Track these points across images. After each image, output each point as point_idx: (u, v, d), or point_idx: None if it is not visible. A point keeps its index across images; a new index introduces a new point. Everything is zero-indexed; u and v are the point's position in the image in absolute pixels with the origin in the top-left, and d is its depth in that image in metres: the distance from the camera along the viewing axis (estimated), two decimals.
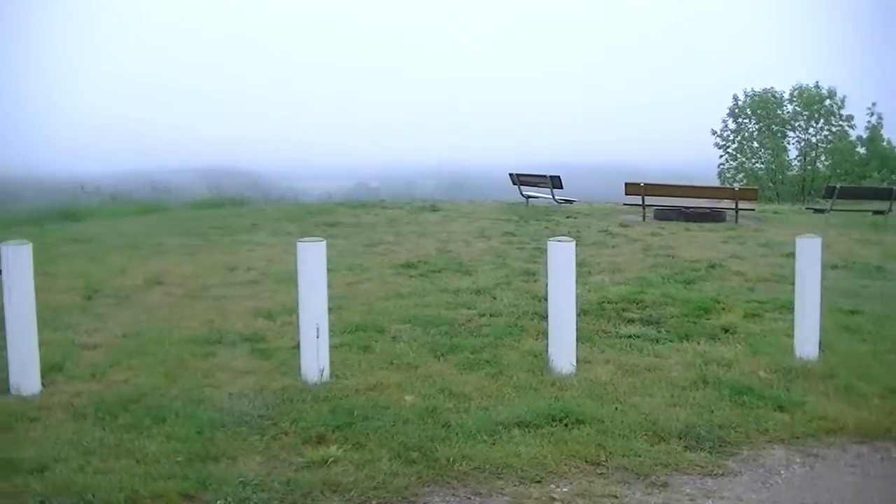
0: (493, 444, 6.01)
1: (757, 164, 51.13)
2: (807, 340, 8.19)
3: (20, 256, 7.30)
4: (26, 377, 7.23)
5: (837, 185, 22.50)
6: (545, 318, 8.33)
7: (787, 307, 9.35)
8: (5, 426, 6.36)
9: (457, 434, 6.14)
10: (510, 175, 24.86)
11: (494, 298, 10.86)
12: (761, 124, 51.21)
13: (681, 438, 6.18)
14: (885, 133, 47.95)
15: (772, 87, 51.61)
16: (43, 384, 7.34)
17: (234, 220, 19.90)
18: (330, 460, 5.71)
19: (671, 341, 8.86)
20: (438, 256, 14.32)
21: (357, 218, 19.88)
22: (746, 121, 51.74)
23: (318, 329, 7.36)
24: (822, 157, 50.32)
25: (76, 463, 5.64)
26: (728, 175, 50.45)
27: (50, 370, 7.69)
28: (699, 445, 6.08)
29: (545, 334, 8.17)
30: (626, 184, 21.36)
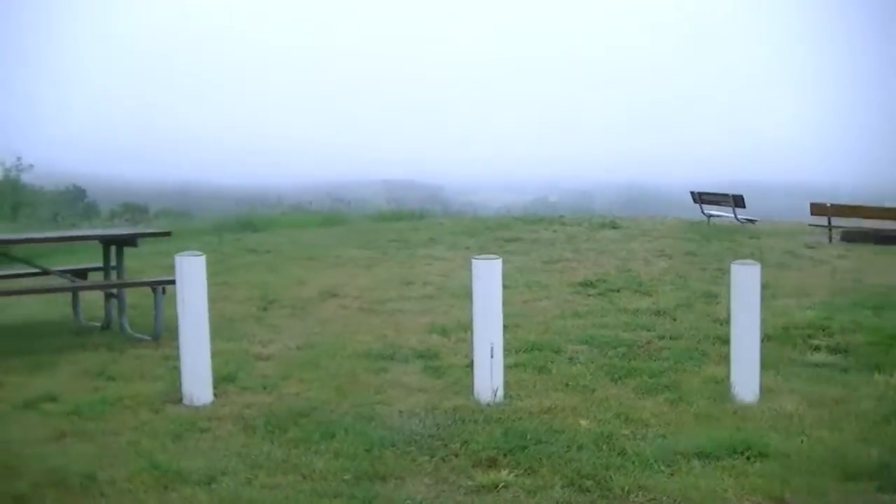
0: (672, 474, 5.68)
1: None
2: None
3: (194, 267, 7.35)
4: (199, 387, 7.26)
5: None
6: (727, 342, 7.95)
7: None
8: (176, 435, 6.38)
9: (633, 462, 5.84)
10: (691, 193, 24.35)
11: (675, 320, 10.50)
12: None
13: (872, 478, 5.70)
14: None
15: None
16: (215, 394, 7.36)
17: (413, 233, 19.92)
18: (500, 485, 5.47)
19: (861, 371, 8.33)
20: (618, 275, 13.98)
21: (535, 233, 19.65)
22: None
23: (492, 348, 7.18)
24: None
25: (243, 476, 5.58)
26: None
27: (223, 380, 7.72)
28: (893, 487, 5.63)
29: (727, 360, 7.79)
30: (811, 204, 20.59)
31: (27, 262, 10.59)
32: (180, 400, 7.25)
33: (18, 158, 42.27)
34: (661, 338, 9.52)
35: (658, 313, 10.86)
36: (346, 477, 5.57)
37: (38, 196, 43.57)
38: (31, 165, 42.72)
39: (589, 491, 5.43)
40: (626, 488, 5.44)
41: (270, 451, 6.03)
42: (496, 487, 5.45)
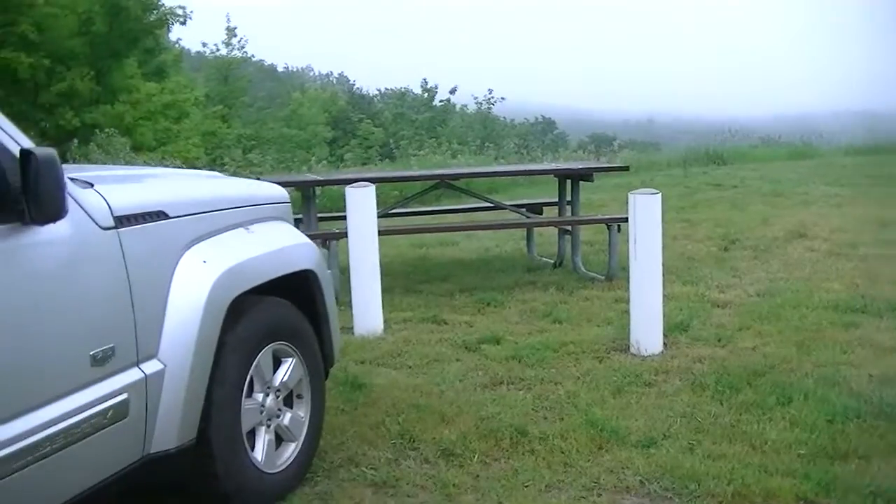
0: None
1: None
2: None
3: (648, 206, 6.83)
4: (647, 335, 6.75)
5: None
6: None
7: None
8: (618, 388, 5.90)
9: None
10: None
11: None
12: None
13: None
14: None
15: None
16: (665, 344, 6.83)
17: (892, 168, 18.37)
18: None
19: None
20: None
21: None
22: None
23: None
24: None
25: (685, 442, 5.00)
26: None
27: (674, 329, 7.19)
28: None
29: None
30: None
31: (479, 196, 10.55)
32: (627, 348, 6.79)
33: (490, 91, 43.64)
34: None
35: None
36: (800, 451, 4.84)
37: (507, 128, 44.86)
38: (503, 98, 43.93)
39: None
40: None
41: (718, 414, 5.41)
42: None
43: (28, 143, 3.12)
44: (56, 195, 3.03)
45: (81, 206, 3.34)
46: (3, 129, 3.10)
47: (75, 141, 20.74)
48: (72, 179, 3.41)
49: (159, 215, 3.72)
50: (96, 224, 3.39)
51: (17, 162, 3.00)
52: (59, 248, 3.24)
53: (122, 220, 3.50)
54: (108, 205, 3.46)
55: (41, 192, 2.98)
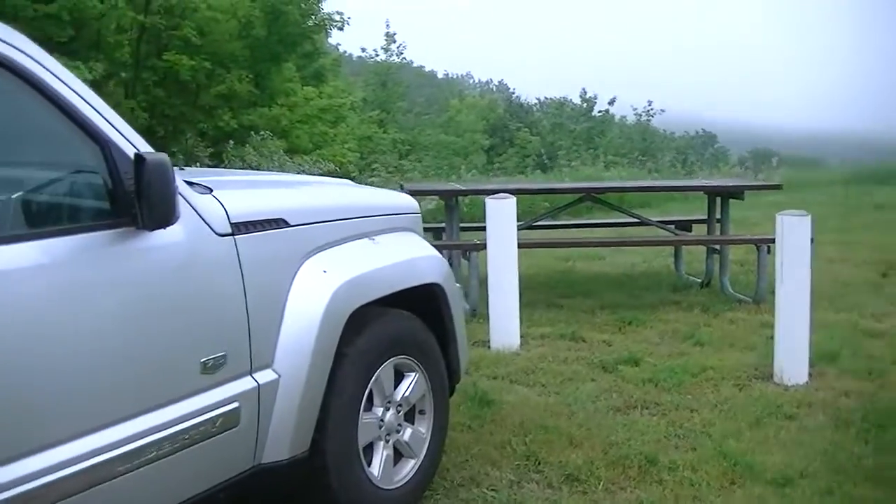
0: None
1: None
2: None
3: (796, 229, 6.54)
4: (792, 364, 6.44)
5: None
6: None
7: None
8: (757, 420, 5.63)
9: None
10: None
11: None
12: None
13: None
14: None
15: None
16: (810, 374, 6.51)
17: None
18: None
19: None
20: None
21: None
22: None
23: None
24: None
25: (824, 483, 4.70)
26: None
27: (822, 358, 6.85)
28: None
29: None
30: None
31: (625, 212, 10.34)
32: (770, 377, 6.50)
33: (649, 102, 43.09)
34: None
35: None
36: None
37: (666, 141, 44.19)
38: (663, 111, 43.31)
39: None
40: None
41: (862, 454, 5.09)
42: None
43: (145, 148, 3.08)
44: (166, 201, 2.98)
45: (197, 212, 3.29)
46: (120, 133, 3.06)
47: (231, 142, 21.06)
48: (191, 184, 3.37)
49: (279, 223, 3.65)
50: (212, 230, 3.34)
51: (133, 166, 2.97)
52: (172, 253, 3.20)
53: (240, 227, 3.45)
54: (225, 211, 3.40)
55: (152, 197, 2.93)
